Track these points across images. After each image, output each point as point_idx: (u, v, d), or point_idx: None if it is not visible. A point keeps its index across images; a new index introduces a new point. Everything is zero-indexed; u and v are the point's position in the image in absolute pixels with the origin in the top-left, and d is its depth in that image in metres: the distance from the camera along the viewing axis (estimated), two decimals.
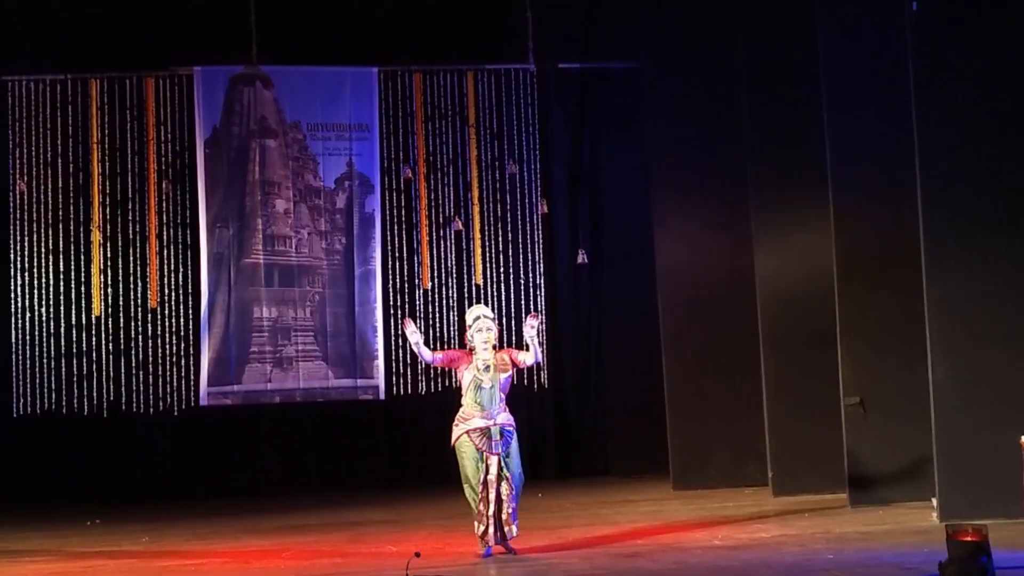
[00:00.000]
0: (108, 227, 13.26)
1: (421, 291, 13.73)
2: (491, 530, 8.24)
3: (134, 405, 13.24)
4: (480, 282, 13.75)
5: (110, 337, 13.26)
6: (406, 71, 13.71)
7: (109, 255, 13.27)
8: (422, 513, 11.33)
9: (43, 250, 13.20)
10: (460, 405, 8.51)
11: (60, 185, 13.23)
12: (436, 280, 13.75)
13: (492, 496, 8.24)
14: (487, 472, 8.28)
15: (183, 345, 13.33)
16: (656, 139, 12.53)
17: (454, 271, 13.78)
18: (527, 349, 8.55)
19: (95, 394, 13.18)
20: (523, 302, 13.81)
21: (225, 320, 13.32)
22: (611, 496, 11.96)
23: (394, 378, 13.60)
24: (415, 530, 10.01)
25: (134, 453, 13.55)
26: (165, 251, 13.35)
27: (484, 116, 13.81)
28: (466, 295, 13.72)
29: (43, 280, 13.20)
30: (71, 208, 13.25)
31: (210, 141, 13.39)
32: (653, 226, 12.48)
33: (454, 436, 8.47)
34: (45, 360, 13.16)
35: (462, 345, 8.77)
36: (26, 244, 13.17)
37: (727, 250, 12.02)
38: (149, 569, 8.57)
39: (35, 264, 13.19)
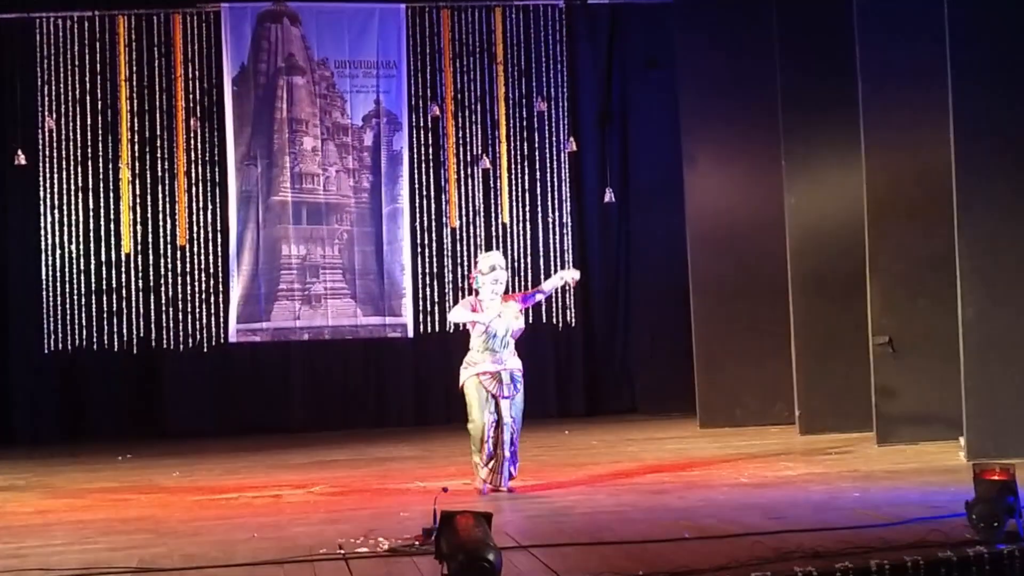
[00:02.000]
0: (137, 164, 13.29)
1: (448, 230, 13.73)
2: (497, 471, 8.31)
3: (164, 342, 13.34)
4: (507, 221, 13.73)
5: (140, 274, 13.33)
6: (434, 7, 13.61)
7: (138, 192, 13.31)
8: (450, 450, 11.38)
9: (72, 187, 13.25)
10: (469, 348, 8.48)
11: (88, 122, 13.24)
12: (463, 219, 13.75)
13: (506, 438, 8.28)
14: (498, 414, 8.30)
15: (212, 282, 13.39)
16: (685, 76, 12.42)
17: (482, 210, 13.77)
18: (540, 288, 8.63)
19: (125, 331, 13.28)
20: (551, 241, 13.80)
21: (254, 258, 13.37)
22: (638, 434, 12.00)
23: (422, 316, 13.64)
24: (443, 466, 10.08)
25: (164, 389, 13.68)
26: (193, 188, 13.38)
27: (512, 53, 13.72)
28: (494, 234, 13.72)
29: (72, 217, 13.26)
30: (100, 145, 13.27)
31: (238, 79, 13.36)
32: (682, 164, 12.41)
33: (462, 378, 8.44)
34: (75, 297, 13.25)
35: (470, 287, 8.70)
36: (55, 181, 13.21)
37: (757, 189, 11.95)
38: (180, 503, 8.67)
39: (64, 201, 13.25)
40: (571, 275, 8.63)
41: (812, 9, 11.16)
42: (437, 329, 13.61)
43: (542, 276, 13.72)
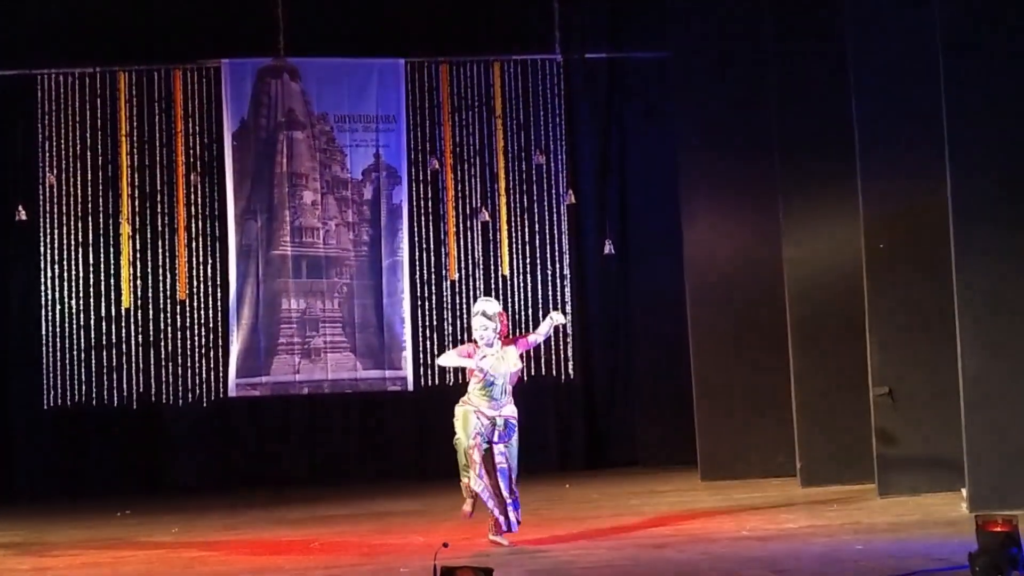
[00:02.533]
0: (137, 219, 13.34)
1: (448, 282, 13.75)
2: (504, 514, 8.33)
3: (164, 396, 13.33)
4: (507, 273, 13.75)
5: (140, 329, 13.34)
6: (433, 62, 13.71)
7: (138, 247, 13.35)
8: (450, 504, 11.30)
9: (73, 242, 13.29)
10: (466, 391, 8.55)
11: (89, 178, 13.31)
12: (463, 271, 13.77)
13: (503, 483, 8.32)
14: (492, 459, 8.35)
15: (212, 336, 13.39)
16: (684, 128, 12.48)
17: (481, 262, 13.79)
18: (535, 334, 8.71)
19: (125, 385, 13.27)
20: (550, 293, 13.81)
21: (254, 311, 13.37)
22: (639, 487, 11.94)
23: (422, 369, 13.62)
24: (443, 521, 10.02)
25: (164, 444, 13.66)
26: (194, 243, 13.41)
27: (511, 106, 13.80)
28: (493, 286, 13.73)
29: (73, 272, 13.29)
30: (100, 201, 13.32)
31: (238, 133, 13.43)
32: (681, 216, 12.44)
33: (458, 412, 8.46)
34: (75, 352, 13.25)
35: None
36: (56, 236, 13.25)
37: (755, 240, 11.97)
38: (179, 560, 8.62)
39: (65, 256, 13.28)
40: (558, 318, 8.68)
41: (809, 60, 11.21)
42: (437, 382, 13.58)
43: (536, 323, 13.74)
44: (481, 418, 8.37)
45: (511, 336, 8.81)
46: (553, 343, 13.74)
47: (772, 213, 11.47)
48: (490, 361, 8.38)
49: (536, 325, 13.54)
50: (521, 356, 8.59)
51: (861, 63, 10.24)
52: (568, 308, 13.79)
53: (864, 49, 10.24)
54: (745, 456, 11.96)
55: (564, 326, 13.65)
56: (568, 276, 13.86)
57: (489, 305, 8.53)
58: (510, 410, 8.49)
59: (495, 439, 8.39)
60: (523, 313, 13.77)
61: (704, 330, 12.14)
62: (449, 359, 8.69)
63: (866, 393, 10.23)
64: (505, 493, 8.34)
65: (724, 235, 12.21)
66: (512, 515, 8.40)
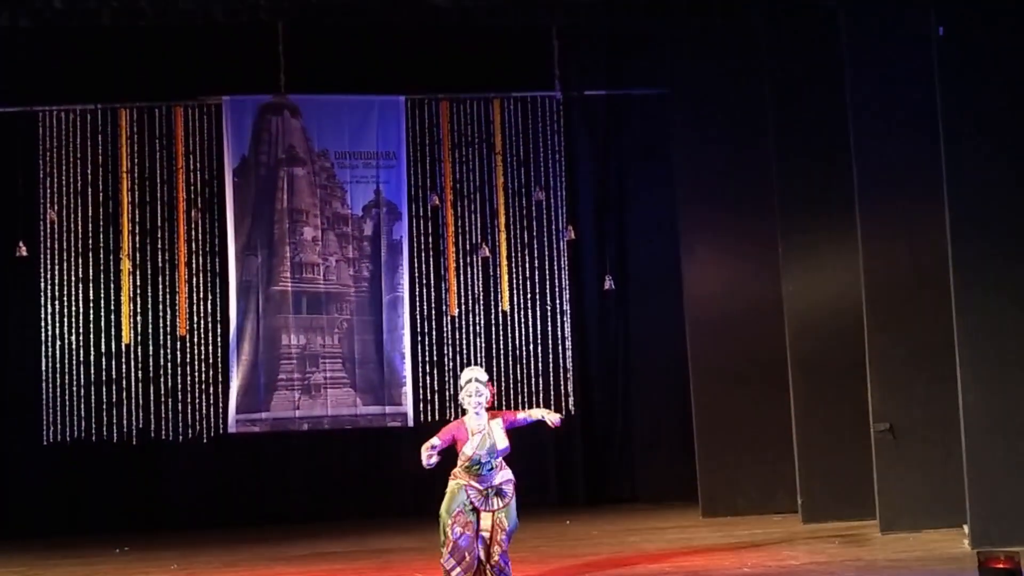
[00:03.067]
0: (137, 255, 13.35)
1: (448, 318, 13.75)
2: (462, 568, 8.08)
3: (163, 432, 13.30)
4: (507, 308, 13.75)
5: (140, 365, 13.33)
6: (433, 99, 13.76)
7: (139, 283, 13.34)
8: None
9: (73, 278, 13.29)
10: (455, 464, 8.31)
11: (90, 214, 13.33)
12: (463, 307, 13.77)
13: (481, 550, 8.12)
14: (478, 526, 8.13)
15: (212, 372, 13.38)
16: (682, 165, 12.52)
17: (481, 298, 13.79)
18: (525, 413, 8.53)
19: (125, 421, 13.24)
20: (550, 328, 13.80)
21: (254, 347, 13.36)
22: (639, 523, 11.91)
23: (422, 405, 13.59)
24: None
25: (163, 480, 13.61)
26: (194, 279, 13.42)
27: (510, 143, 13.85)
28: (493, 321, 13.73)
29: (73, 308, 13.29)
30: (101, 237, 13.34)
31: (239, 170, 13.47)
32: (680, 252, 12.46)
33: (449, 487, 8.25)
34: (75, 388, 13.23)
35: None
36: (56, 272, 13.26)
37: (755, 276, 11.99)
38: None
39: (65, 292, 13.28)
40: (554, 418, 8.49)
41: (807, 99, 11.28)
42: (437, 418, 13.55)
43: (541, 364, 13.74)
44: (471, 491, 8.15)
45: (497, 409, 8.65)
46: (552, 379, 13.73)
47: (771, 249, 11.50)
48: (474, 444, 8.14)
49: (536, 361, 13.67)
50: (508, 433, 8.30)
51: (860, 102, 10.30)
52: (568, 344, 13.79)
53: (862, 91, 10.31)
54: (746, 492, 11.94)
55: (565, 360, 13.66)
56: (568, 312, 13.86)
57: (480, 373, 8.38)
58: (502, 476, 8.25)
59: (484, 507, 8.15)
60: (523, 349, 13.75)
61: (704, 366, 12.14)
62: (424, 453, 8.25)
63: (867, 429, 10.23)
64: (496, 555, 8.14)
65: (724, 271, 12.23)
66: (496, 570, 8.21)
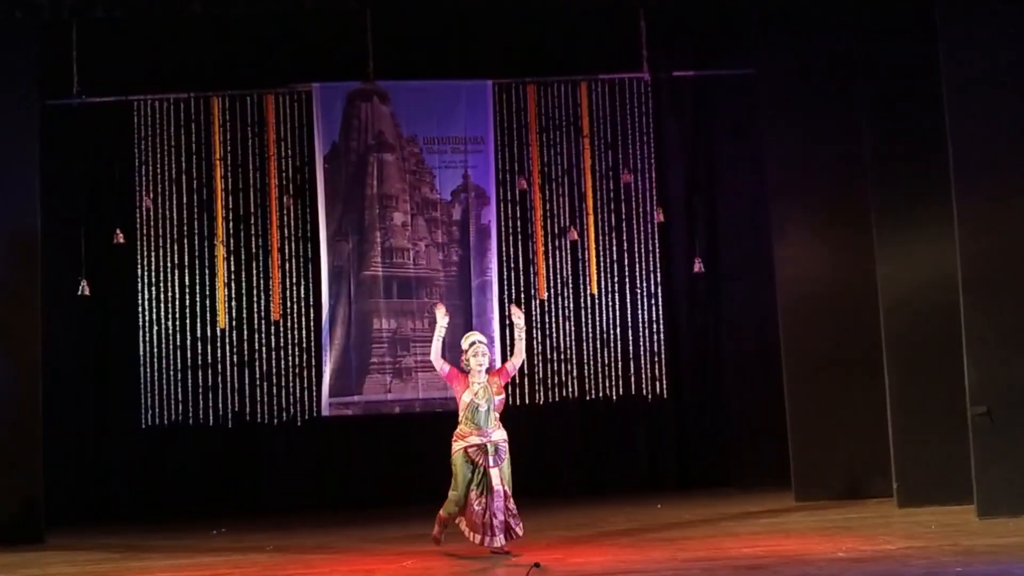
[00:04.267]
0: (231, 241, 13.55)
1: (537, 301, 13.77)
2: (487, 533, 8.98)
3: (258, 416, 13.51)
4: (595, 292, 13.73)
5: (234, 349, 13.54)
6: (520, 83, 13.76)
7: (233, 269, 13.55)
8: (541, 523, 11.33)
9: (169, 264, 13.53)
10: (458, 423, 9.28)
11: (185, 201, 13.55)
12: (552, 290, 13.78)
13: (498, 505, 8.98)
14: (487, 481, 9.06)
15: (305, 356, 13.55)
16: (773, 146, 12.39)
17: (570, 281, 13.79)
18: (511, 352, 9.62)
19: (220, 405, 13.47)
20: (639, 312, 13.76)
21: (346, 332, 13.51)
22: (732, 507, 11.85)
23: (511, 388, 13.63)
24: (534, 539, 10.02)
25: (258, 463, 13.84)
26: (287, 264, 13.59)
27: (598, 126, 13.80)
28: (582, 305, 13.73)
29: (169, 294, 13.53)
30: (196, 223, 13.56)
31: (329, 156, 13.60)
32: (771, 233, 12.35)
33: (453, 449, 9.26)
34: (172, 372, 13.48)
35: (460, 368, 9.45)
36: (152, 259, 13.50)
37: (848, 258, 11.84)
38: None
39: (161, 278, 13.52)
40: (516, 314, 9.58)
41: (899, 76, 11.10)
42: (526, 401, 13.62)
43: (631, 347, 13.71)
44: (471, 451, 9.11)
45: (494, 370, 9.52)
46: (642, 363, 13.68)
47: (865, 230, 11.35)
48: (473, 391, 9.21)
49: (625, 345, 13.65)
50: (504, 387, 9.38)
51: (955, 78, 10.10)
52: (657, 327, 13.74)
53: (959, 67, 10.10)
54: (840, 476, 11.82)
55: (655, 344, 13.63)
56: (658, 295, 13.81)
57: (480, 335, 9.54)
58: (499, 435, 9.23)
59: (489, 464, 9.12)
60: (612, 332, 13.74)
61: (797, 349, 12.02)
62: (441, 339, 9.36)
63: (964, 413, 10.07)
64: (498, 515, 8.97)
65: (816, 252, 12.09)
66: (504, 531, 9.01)
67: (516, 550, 9.12)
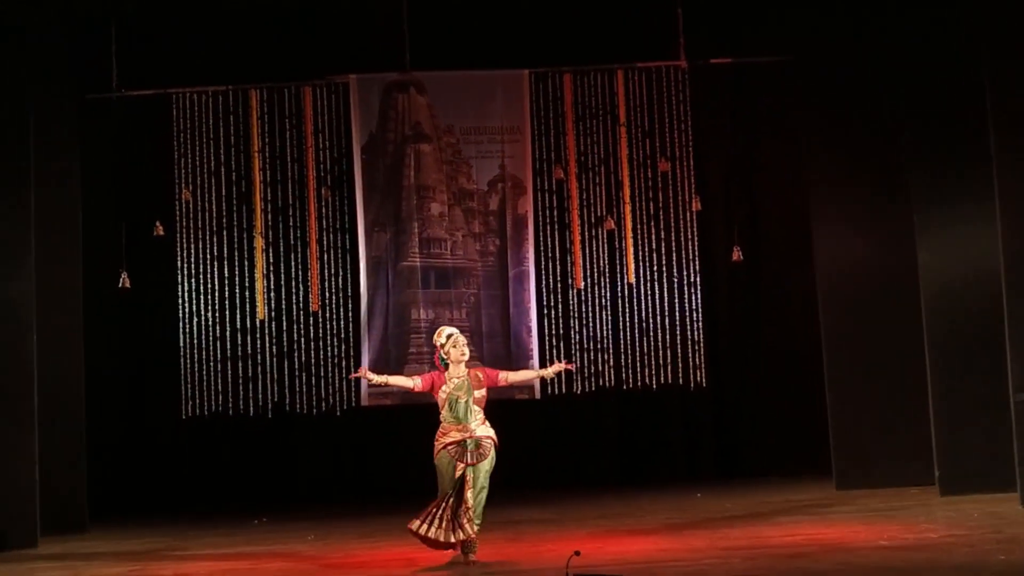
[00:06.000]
0: (270, 233, 13.61)
1: (574, 291, 13.75)
2: (451, 530, 8.35)
3: (298, 406, 13.59)
4: (633, 281, 13.70)
5: (273, 340, 13.62)
6: (556, 72, 13.73)
7: (271, 260, 13.61)
8: (581, 512, 11.36)
9: (208, 256, 13.61)
10: (440, 422, 8.62)
11: (223, 193, 13.62)
12: (589, 280, 13.76)
13: (470, 501, 8.40)
14: (467, 482, 8.43)
15: (344, 347, 13.60)
16: (811, 133, 12.32)
17: (607, 271, 13.77)
18: (525, 372, 9.30)
19: (260, 395, 13.56)
20: (677, 301, 13.72)
21: (384, 322, 13.55)
22: (772, 496, 11.80)
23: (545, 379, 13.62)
24: (574, 528, 10.03)
25: (298, 453, 13.94)
26: (325, 255, 13.64)
27: (635, 114, 13.75)
28: (619, 294, 13.70)
29: (209, 285, 13.61)
30: (234, 215, 13.63)
31: (367, 147, 13.63)
32: (811, 221, 12.27)
33: (435, 451, 8.60)
34: (211, 363, 13.57)
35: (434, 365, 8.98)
36: (192, 251, 13.59)
37: (889, 245, 11.76)
38: (315, 567, 8.77)
39: (201, 270, 13.61)
40: (561, 368, 9.05)
41: (940, 60, 10.99)
42: (564, 391, 13.62)
43: (669, 336, 13.66)
44: (451, 448, 8.46)
45: (481, 366, 9.13)
46: (680, 352, 13.64)
47: (905, 217, 11.27)
48: (451, 386, 8.55)
49: (663, 334, 13.60)
50: (487, 388, 8.69)
51: (997, 59, 9.99)
52: (696, 316, 13.70)
53: (999, 51, 9.98)
54: (881, 465, 11.76)
55: (694, 333, 13.58)
56: (696, 283, 13.76)
57: (454, 329, 8.80)
58: (483, 431, 8.59)
59: (465, 460, 8.48)
60: (650, 321, 13.70)
61: (837, 336, 11.96)
62: (389, 381, 8.90)
63: (1006, 400, 9.98)
64: (471, 511, 8.38)
65: (856, 240, 12.01)
66: (463, 530, 8.38)
67: (554, 547, 9.07)
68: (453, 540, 8.40)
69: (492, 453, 8.61)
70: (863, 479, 11.71)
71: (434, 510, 8.45)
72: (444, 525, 8.39)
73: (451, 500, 8.41)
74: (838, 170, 12.07)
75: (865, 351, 11.80)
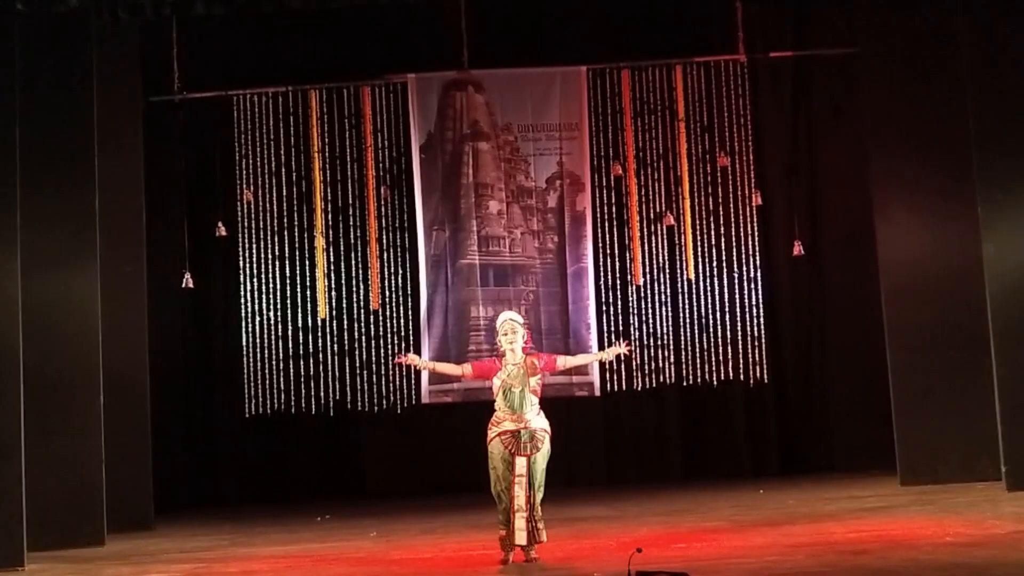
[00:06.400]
0: (330, 232, 13.71)
1: (633, 287, 13.72)
2: (523, 529, 8.17)
3: (359, 404, 13.67)
4: (692, 277, 13.64)
5: (335, 338, 13.71)
6: (614, 68, 13.70)
7: (332, 259, 13.71)
8: (642, 509, 11.33)
9: (270, 256, 13.74)
10: (494, 410, 8.47)
11: (284, 193, 13.74)
12: (648, 276, 13.72)
13: (521, 496, 8.19)
14: (516, 473, 8.24)
15: (404, 345, 13.66)
16: (873, 126, 12.18)
17: (666, 266, 13.72)
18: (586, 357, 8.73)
19: (322, 393, 13.66)
20: (738, 296, 13.65)
21: (443, 320, 13.59)
22: (836, 492, 11.70)
23: (608, 374, 13.61)
24: (635, 526, 10.01)
25: (360, 450, 14.03)
26: (385, 254, 13.71)
27: (694, 109, 13.69)
28: (679, 290, 13.66)
29: (271, 285, 13.73)
30: (295, 215, 13.75)
31: (425, 146, 13.68)
32: (874, 215, 12.15)
33: (488, 439, 8.45)
34: (274, 362, 13.69)
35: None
36: (254, 251, 13.72)
37: (953, 238, 11.61)
38: (379, 564, 8.81)
39: (263, 270, 13.74)
40: (621, 351, 8.80)
41: (1005, 51, 10.82)
42: (624, 387, 13.59)
43: (730, 332, 13.59)
44: (504, 438, 8.30)
45: (538, 352, 8.90)
46: (742, 347, 13.57)
47: (970, 210, 11.10)
48: (505, 372, 8.39)
49: (724, 330, 13.52)
50: (542, 374, 8.52)
51: None
52: (758, 311, 13.61)
53: None
54: (947, 460, 11.60)
55: (755, 328, 13.49)
56: (757, 279, 13.67)
57: (516, 315, 8.72)
58: (538, 422, 8.42)
59: (518, 452, 8.29)
60: (710, 317, 13.63)
61: (901, 331, 11.82)
62: (436, 367, 9.11)
63: None
64: (518, 504, 8.19)
65: (920, 232, 11.87)
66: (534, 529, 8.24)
67: (616, 544, 9.06)
68: (523, 543, 8.29)
69: (547, 445, 8.48)
70: (928, 474, 11.57)
71: (513, 511, 8.27)
72: (519, 527, 8.25)
73: (519, 502, 8.23)
74: (902, 163, 11.93)
75: (929, 345, 11.66)
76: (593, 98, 13.70)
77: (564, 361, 8.87)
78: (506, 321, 8.53)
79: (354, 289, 13.73)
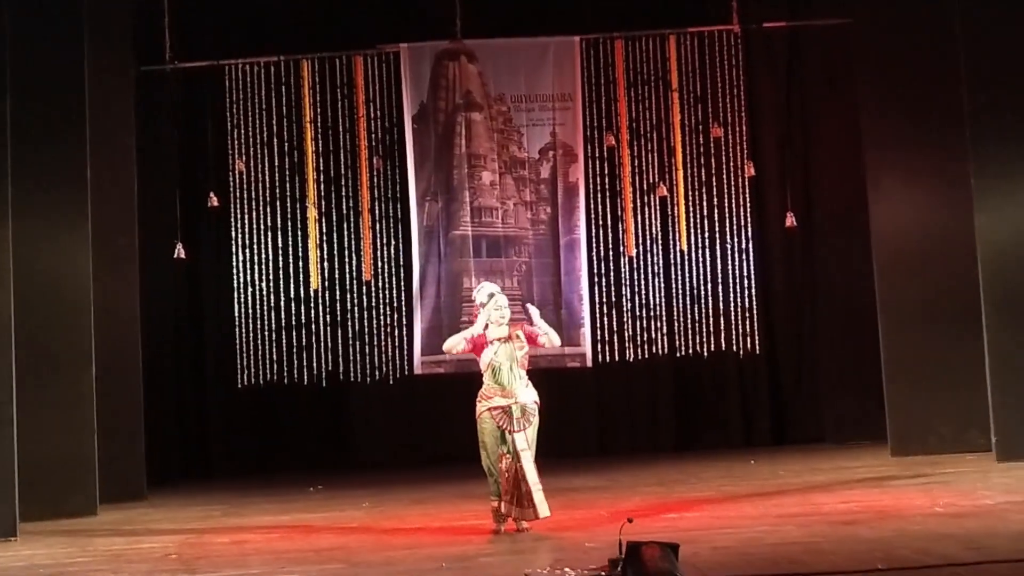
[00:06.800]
0: (323, 203, 13.66)
1: (626, 258, 13.71)
2: (524, 506, 8.25)
3: (351, 375, 13.67)
4: (685, 248, 13.62)
5: (327, 309, 13.70)
6: (607, 38, 13.63)
7: (324, 230, 13.67)
8: (634, 480, 11.37)
9: (262, 227, 13.69)
10: (482, 383, 8.53)
11: (276, 164, 13.68)
12: (641, 247, 13.70)
13: (528, 469, 8.24)
14: (511, 448, 8.30)
15: (396, 316, 13.65)
16: (867, 97, 12.16)
17: (659, 238, 13.70)
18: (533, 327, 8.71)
19: (314, 364, 13.65)
20: (730, 267, 13.64)
21: (436, 291, 13.58)
22: (827, 463, 11.74)
23: (600, 345, 13.63)
24: (627, 496, 10.04)
25: (352, 421, 14.05)
26: (377, 225, 13.68)
27: (687, 80, 13.63)
28: (672, 261, 13.64)
29: (262, 256, 13.69)
30: (287, 186, 13.70)
31: (418, 116, 13.63)
32: (867, 187, 12.14)
33: (477, 412, 8.54)
34: (266, 333, 13.67)
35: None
36: (246, 222, 13.67)
37: (945, 209, 11.62)
38: (371, 534, 8.84)
39: (254, 241, 13.69)
40: (531, 311, 8.79)
41: (999, 24, 10.80)
42: (616, 358, 13.60)
43: (722, 303, 13.60)
44: (495, 413, 8.35)
45: (517, 322, 8.85)
46: (734, 318, 13.57)
47: (962, 181, 11.11)
48: (492, 350, 8.45)
49: (716, 301, 13.52)
50: (528, 337, 8.56)
51: None
52: (750, 283, 13.62)
53: None
54: (937, 431, 11.66)
55: (748, 300, 13.50)
56: (749, 250, 13.67)
57: (494, 286, 8.74)
58: (527, 395, 8.48)
59: (511, 428, 8.34)
60: (703, 288, 13.63)
61: (893, 302, 11.85)
62: (453, 341, 8.80)
63: None
64: (531, 479, 8.24)
65: (913, 204, 11.88)
66: (538, 503, 8.28)
67: (607, 514, 9.09)
68: (515, 515, 8.37)
69: (536, 415, 8.53)
70: (918, 445, 11.62)
71: (504, 486, 8.34)
72: (514, 502, 8.33)
73: (513, 475, 8.28)
74: (895, 134, 11.92)
75: (921, 316, 11.69)
76: (586, 68, 13.64)
77: (539, 332, 8.70)
78: (496, 296, 8.57)
79: (346, 260, 13.70)
